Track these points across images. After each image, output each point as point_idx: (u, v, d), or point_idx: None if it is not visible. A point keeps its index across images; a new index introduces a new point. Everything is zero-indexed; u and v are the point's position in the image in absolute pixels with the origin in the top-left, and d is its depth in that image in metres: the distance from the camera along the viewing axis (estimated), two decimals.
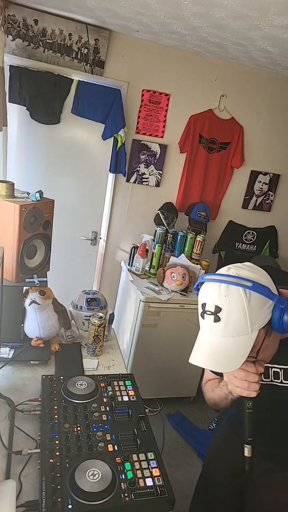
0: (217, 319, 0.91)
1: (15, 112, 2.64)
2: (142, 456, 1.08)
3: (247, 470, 1.00)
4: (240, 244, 3.39)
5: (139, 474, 1.02)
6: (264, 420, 1.09)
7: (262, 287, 0.90)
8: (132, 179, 2.99)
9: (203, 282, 0.96)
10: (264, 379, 1.11)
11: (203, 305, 0.94)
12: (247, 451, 0.98)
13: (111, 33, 2.57)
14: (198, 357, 0.94)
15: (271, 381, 1.11)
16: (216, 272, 0.96)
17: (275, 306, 0.90)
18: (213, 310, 0.91)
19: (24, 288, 1.63)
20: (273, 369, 1.11)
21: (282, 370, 1.08)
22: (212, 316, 0.91)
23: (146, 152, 2.95)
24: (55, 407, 1.22)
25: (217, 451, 1.41)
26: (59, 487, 0.95)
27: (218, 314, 0.90)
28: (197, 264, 2.84)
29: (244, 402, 0.98)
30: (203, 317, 0.95)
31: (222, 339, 0.91)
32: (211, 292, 0.93)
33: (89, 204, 3.01)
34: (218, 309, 0.90)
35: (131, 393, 1.34)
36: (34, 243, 1.52)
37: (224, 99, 2.97)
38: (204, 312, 0.94)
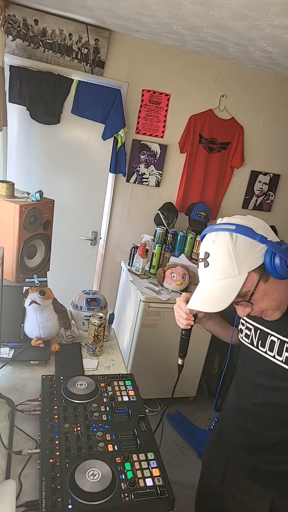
0: (206, 264, 0.96)
1: (15, 112, 2.64)
2: (142, 456, 1.08)
3: (179, 373, 1.27)
4: None
5: (139, 474, 1.02)
6: (257, 383, 1.16)
7: (246, 228, 0.93)
8: (132, 179, 2.99)
9: (205, 235, 1.01)
10: (260, 347, 1.13)
11: (198, 254, 1.00)
12: (180, 361, 1.26)
13: (111, 33, 2.57)
14: (193, 302, 1.01)
15: (266, 352, 1.10)
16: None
17: (267, 249, 0.92)
18: (203, 257, 0.97)
19: (24, 288, 1.63)
20: (271, 337, 1.09)
21: (278, 341, 1.07)
22: (203, 262, 0.97)
23: (146, 152, 2.95)
24: (55, 407, 1.21)
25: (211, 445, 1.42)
26: (59, 487, 0.95)
27: (207, 259, 0.96)
28: (197, 264, 2.84)
29: (181, 329, 1.20)
30: (198, 266, 1.00)
31: (212, 282, 0.96)
32: (204, 241, 0.99)
33: (89, 204, 3.01)
34: (207, 255, 0.96)
35: (131, 393, 1.34)
36: (34, 243, 1.52)
37: (224, 99, 2.97)
38: (198, 260, 1.00)
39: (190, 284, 2.70)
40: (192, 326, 1.18)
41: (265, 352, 1.11)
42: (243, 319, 1.20)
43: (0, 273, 1.22)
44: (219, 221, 1.00)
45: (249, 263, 0.92)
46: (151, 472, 1.03)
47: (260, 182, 3.28)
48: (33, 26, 2.44)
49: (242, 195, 3.29)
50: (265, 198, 3.35)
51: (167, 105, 2.88)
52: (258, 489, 1.18)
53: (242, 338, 1.21)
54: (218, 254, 0.94)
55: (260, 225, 0.96)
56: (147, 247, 2.78)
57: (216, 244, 0.94)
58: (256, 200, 3.33)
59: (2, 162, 2.61)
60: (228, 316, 1.28)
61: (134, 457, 1.07)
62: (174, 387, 1.32)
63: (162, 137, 2.95)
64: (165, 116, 2.90)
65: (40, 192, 1.48)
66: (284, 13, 1.67)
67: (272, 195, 3.35)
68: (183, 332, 1.21)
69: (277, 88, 3.04)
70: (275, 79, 3.00)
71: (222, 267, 0.93)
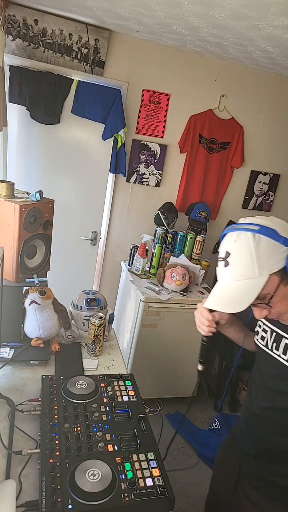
0: (226, 264, 0.95)
1: (15, 112, 2.64)
2: (142, 456, 1.08)
3: (199, 379, 1.28)
4: None
5: (139, 474, 1.02)
6: (268, 387, 1.14)
7: (269, 229, 0.91)
8: (132, 179, 2.99)
9: (226, 234, 1.00)
10: (274, 350, 1.11)
11: (219, 253, 0.99)
12: (200, 367, 1.26)
13: (111, 33, 2.57)
14: (209, 301, 0.99)
15: (279, 355, 1.09)
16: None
17: None
18: (224, 256, 0.96)
19: (24, 288, 1.63)
20: (285, 340, 1.07)
21: None
22: (223, 262, 0.96)
23: (146, 152, 2.95)
24: (55, 407, 1.22)
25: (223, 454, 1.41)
26: (59, 487, 0.95)
27: (227, 259, 0.94)
28: (197, 264, 2.84)
29: (202, 335, 1.18)
30: (218, 265, 0.99)
31: (231, 283, 0.95)
32: (225, 241, 0.98)
33: (89, 204, 3.01)
34: (227, 255, 0.95)
35: (131, 393, 1.34)
36: (34, 243, 1.52)
37: (224, 99, 2.97)
38: (218, 259, 0.98)
39: (190, 284, 2.70)
40: (213, 333, 1.15)
41: (279, 356, 1.09)
42: (260, 320, 1.18)
43: (0, 273, 1.22)
44: (241, 220, 0.98)
45: (271, 266, 0.91)
46: (151, 472, 1.03)
47: (260, 182, 3.28)
48: (33, 26, 2.43)
49: (242, 195, 3.29)
50: (265, 198, 3.35)
51: (167, 105, 2.88)
52: (263, 500, 1.17)
53: (257, 340, 1.19)
54: (239, 254, 0.92)
55: (284, 227, 0.94)
56: (147, 247, 2.78)
57: (237, 244, 0.93)
58: (256, 200, 3.33)
59: (2, 162, 2.60)
60: (243, 320, 1.26)
61: (134, 457, 1.07)
62: (194, 392, 1.30)
63: (162, 137, 2.95)
64: (165, 116, 2.90)
65: (40, 192, 1.48)
66: (284, 13, 1.67)
67: (272, 195, 3.35)
68: (204, 338, 1.19)
69: (277, 88, 3.04)
70: (275, 79, 3.00)
71: (243, 267, 0.92)
